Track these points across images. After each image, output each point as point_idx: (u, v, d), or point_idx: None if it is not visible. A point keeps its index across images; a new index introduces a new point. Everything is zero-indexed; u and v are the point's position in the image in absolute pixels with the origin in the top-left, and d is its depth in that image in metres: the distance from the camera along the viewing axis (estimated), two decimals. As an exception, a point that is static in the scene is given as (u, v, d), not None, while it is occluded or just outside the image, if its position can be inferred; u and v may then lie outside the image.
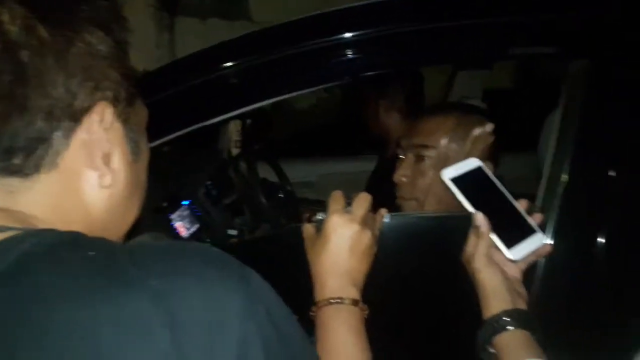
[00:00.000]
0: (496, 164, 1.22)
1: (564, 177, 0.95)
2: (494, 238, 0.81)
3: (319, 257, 0.82)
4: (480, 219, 0.81)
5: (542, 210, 0.98)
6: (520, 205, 0.85)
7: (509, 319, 0.76)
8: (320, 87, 1.07)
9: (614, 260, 0.95)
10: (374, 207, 0.88)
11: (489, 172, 0.88)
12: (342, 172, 2.53)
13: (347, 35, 1.01)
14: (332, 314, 0.77)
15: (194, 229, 1.78)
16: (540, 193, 1.01)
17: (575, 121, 0.97)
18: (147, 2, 4.48)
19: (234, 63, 1.05)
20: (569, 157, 0.95)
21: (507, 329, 0.76)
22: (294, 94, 1.07)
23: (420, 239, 1.02)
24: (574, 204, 0.95)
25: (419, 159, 1.20)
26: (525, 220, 0.84)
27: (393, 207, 1.25)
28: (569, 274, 0.96)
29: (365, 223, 0.83)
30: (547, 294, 0.94)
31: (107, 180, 0.54)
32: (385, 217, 0.92)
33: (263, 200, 1.94)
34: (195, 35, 4.73)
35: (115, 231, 0.59)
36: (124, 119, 0.56)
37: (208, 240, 1.80)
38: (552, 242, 0.93)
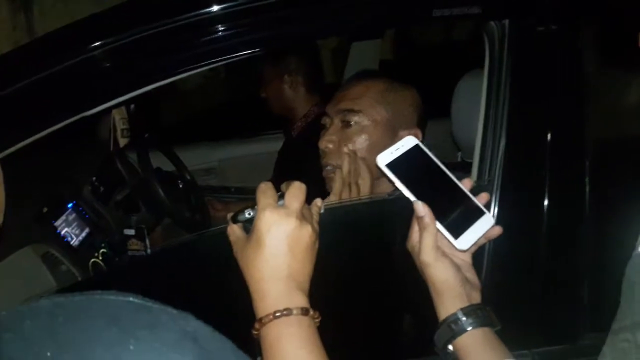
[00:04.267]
0: (423, 133, 1.19)
1: (502, 144, 0.90)
2: (440, 228, 0.74)
3: (253, 263, 0.69)
4: (422, 209, 0.73)
5: (478, 185, 0.93)
6: (464, 185, 0.79)
7: (466, 319, 0.71)
8: (213, 64, 0.88)
9: (560, 226, 0.93)
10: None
11: (428, 150, 0.81)
12: (243, 155, 2.39)
13: (237, 3, 0.86)
14: (280, 330, 0.65)
15: (84, 234, 1.58)
16: (475, 163, 0.96)
17: (504, 86, 0.93)
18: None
19: (104, 42, 0.85)
20: (505, 124, 0.90)
21: (466, 330, 0.71)
22: (182, 75, 0.89)
23: (361, 227, 0.92)
24: (515, 173, 0.91)
25: (346, 124, 1.16)
26: (471, 202, 0.78)
27: (319, 183, 1.16)
28: (516, 248, 0.92)
29: (302, 217, 0.71)
30: (495, 272, 0.90)
31: None
32: (321, 207, 0.81)
33: (160, 192, 1.74)
34: (57, 15, 4.26)
35: None
36: None
37: (103, 244, 1.59)
38: (496, 217, 0.88)
